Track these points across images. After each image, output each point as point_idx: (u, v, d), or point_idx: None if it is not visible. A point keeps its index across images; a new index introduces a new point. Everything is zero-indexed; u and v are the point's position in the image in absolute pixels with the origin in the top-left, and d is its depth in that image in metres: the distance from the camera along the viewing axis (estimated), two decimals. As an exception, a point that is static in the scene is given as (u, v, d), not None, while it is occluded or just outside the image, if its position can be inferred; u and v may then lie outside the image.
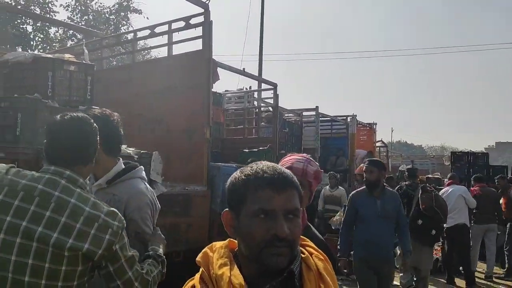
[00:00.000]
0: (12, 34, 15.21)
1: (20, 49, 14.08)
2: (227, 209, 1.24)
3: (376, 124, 14.65)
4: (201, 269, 1.25)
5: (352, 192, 5.02)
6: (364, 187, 4.80)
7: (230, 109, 10.67)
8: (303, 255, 1.22)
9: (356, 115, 12.29)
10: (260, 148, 8.35)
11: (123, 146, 3.67)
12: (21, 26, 16.58)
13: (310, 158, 2.09)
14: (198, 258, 1.27)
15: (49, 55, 3.79)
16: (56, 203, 1.63)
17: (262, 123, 10.23)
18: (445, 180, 9.38)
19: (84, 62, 3.93)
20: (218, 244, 1.26)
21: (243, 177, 1.19)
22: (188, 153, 6.20)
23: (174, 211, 5.11)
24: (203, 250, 1.28)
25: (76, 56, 4.63)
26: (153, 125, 6.88)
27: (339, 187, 9.35)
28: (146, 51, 17.32)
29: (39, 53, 4.00)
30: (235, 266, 1.17)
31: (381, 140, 16.76)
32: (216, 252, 1.23)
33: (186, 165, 6.15)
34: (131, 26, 19.62)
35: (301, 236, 1.28)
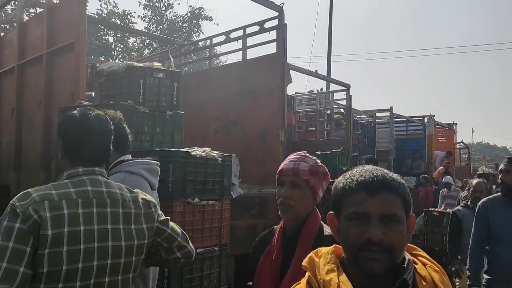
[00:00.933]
0: (95, 45, 16.30)
1: (102, 59, 15.05)
2: (331, 211, 1.24)
3: (456, 124, 13.89)
4: (307, 274, 1.25)
5: (483, 199, 3.68)
6: (499, 193, 3.61)
7: (301, 111, 10.65)
8: (416, 265, 1.18)
9: (433, 115, 11.75)
10: (333, 150, 8.24)
11: (208, 149, 3.82)
12: (103, 37, 17.74)
13: (306, 154, 1.93)
14: (304, 263, 1.27)
15: (141, 64, 4.02)
16: (119, 199, 1.71)
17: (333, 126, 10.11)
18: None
19: (170, 69, 4.12)
20: (323, 249, 1.26)
21: (342, 180, 1.19)
22: (263, 155, 6.28)
23: (251, 213, 5.19)
24: (308, 255, 1.28)
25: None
26: (228, 128, 7.07)
27: None
28: (218, 57, 17.77)
29: (132, 62, 4.25)
30: (343, 272, 1.17)
31: (462, 141, 15.87)
32: (322, 258, 1.23)
33: (261, 167, 6.22)
34: (202, 33, 20.28)
35: (412, 245, 1.25)
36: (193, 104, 6.90)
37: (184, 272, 3.41)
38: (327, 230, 1.82)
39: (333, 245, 1.24)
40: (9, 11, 10.23)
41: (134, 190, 1.81)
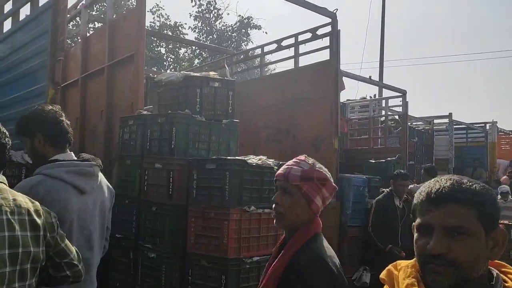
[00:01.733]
0: (149, 56, 16.87)
1: (155, 69, 15.55)
2: (414, 222, 1.22)
3: (521, 131, 13.16)
4: (385, 287, 1.23)
5: None
6: None
7: (354, 118, 10.46)
8: (506, 283, 1.11)
9: (496, 122, 11.20)
10: (388, 158, 8.00)
11: (264, 157, 3.81)
12: (155, 49, 18.34)
13: (304, 158, 1.80)
14: (382, 276, 1.25)
15: (197, 74, 4.10)
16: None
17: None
18: None
19: (226, 78, 4.16)
20: (403, 262, 1.22)
21: (418, 191, 1.17)
22: (316, 163, 6.21)
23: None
24: (387, 268, 1.25)
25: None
26: (280, 135, 7.05)
27: None
28: (269, 65, 17.89)
29: (189, 72, 4.35)
30: (423, 286, 1.12)
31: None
32: (401, 271, 1.20)
33: (314, 175, 6.14)
34: (251, 41, 20.48)
35: (501, 262, 1.18)
36: (244, 112, 6.93)
37: (241, 280, 3.40)
38: (318, 242, 1.70)
39: (414, 259, 1.19)
40: (70, 27, 10.80)
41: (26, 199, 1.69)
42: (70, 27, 10.78)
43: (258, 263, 3.52)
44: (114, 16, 5.66)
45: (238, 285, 3.41)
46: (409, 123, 10.50)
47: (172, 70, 17.49)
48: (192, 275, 3.48)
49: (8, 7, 5.17)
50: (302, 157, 1.83)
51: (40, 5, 4.30)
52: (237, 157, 3.65)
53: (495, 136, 10.90)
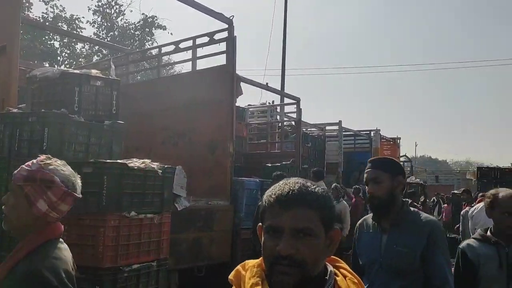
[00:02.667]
0: (39, 50, 15.64)
1: (47, 65, 14.46)
2: (260, 223, 1.21)
3: (400, 138, 14.46)
4: (232, 287, 1.22)
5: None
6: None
7: (253, 123, 10.66)
8: (337, 277, 1.18)
9: (379, 130, 12.16)
10: (283, 162, 8.26)
11: (148, 161, 3.69)
12: (48, 42, 17.07)
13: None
14: (230, 276, 1.24)
15: (77, 71, 3.84)
16: None
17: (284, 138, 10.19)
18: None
19: (110, 77, 3.96)
20: (251, 262, 1.23)
21: (267, 193, 1.19)
22: (211, 167, 6.19)
23: (196, 225, 5.07)
24: (235, 268, 1.25)
25: (103, 71, 4.69)
26: (176, 139, 6.91)
27: (343, 200, 8.34)
28: (170, 66, 17.57)
29: (67, 68, 4.05)
30: (267, 286, 1.14)
31: (405, 155, 16.48)
32: (248, 271, 1.20)
33: (209, 179, 6.12)
34: (156, 42, 19.99)
35: (335, 258, 1.24)
36: (140, 114, 6.71)
37: (118, 290, 3.23)
38: (43, 254, 1.56)
39: (260, 258, 1.20)
40: None
41: None
42: None
43: (138, 271, 3.39)
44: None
45: (116, 295, 3.24)
46: (303, 129, 10.98)
47: (67, 66, 16.38)
48: None
49: None
50: (42, 157, 1.70)
51: None
52: (117, 161, 3.48)
53: (378, 142, 11.85)
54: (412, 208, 2.46)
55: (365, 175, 2.42)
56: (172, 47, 7.40)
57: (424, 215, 2.43)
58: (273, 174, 6.19)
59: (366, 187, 2.44)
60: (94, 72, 3.82)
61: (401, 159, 15.32)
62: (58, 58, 17.44)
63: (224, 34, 6.50)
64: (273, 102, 12.35)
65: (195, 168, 5.83)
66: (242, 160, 9.16)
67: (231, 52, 6.34)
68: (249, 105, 11.11)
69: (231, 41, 6.37)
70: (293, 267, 1.07)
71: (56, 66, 15.43)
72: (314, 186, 1.16)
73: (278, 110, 11.03)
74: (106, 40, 18.08)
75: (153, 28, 20.23)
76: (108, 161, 3.43)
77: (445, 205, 14.11)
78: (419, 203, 10.09)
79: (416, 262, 2.27)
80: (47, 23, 15.79)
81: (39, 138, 3.40)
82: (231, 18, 6.40)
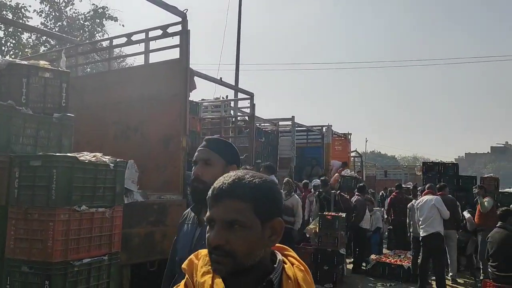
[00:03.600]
0: (-18, 38, 14.82)
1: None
2: None
3: (350, 134, 14.90)
4: (185, 276, 1.27)
5: None
6: None
7: (207, 118, 10.65)
8: (285, 265, 1.23)
9: (331, 125, 12.47)
10: (236, 157, 8.32)
11: (99, 154, 3.64)
12: (-8, 31, 16.20)
13: None
14: (183, 265, 1.29)
15: (24, 62, 3.72)
16: None
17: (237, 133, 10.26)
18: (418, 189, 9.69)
19: (59, 69, 3.87)
20: (203, 251, 1.27)
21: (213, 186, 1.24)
22: (164, 162, 6.14)
23: (149, 220, 5.05)
24: (189, 257, 1.29)
25: (51, 63, 4.56)
26: (128, 133, 6.79)
27: (294, 194, 8.55)
28: (122, 59, 17.16)
29: (14, 59, 3.92)
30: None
31: (356, 150, 17.01)
32: (201, 260, 1.25)
33: (162, 173, 6.08)
34: (106, 33, 19.41)
35: (284, 246, 1.30)
36: (91, 107, 6.56)
37: (68, 285, 3.19)
38: None
39: None
40: None
41: None
42: None
43: (88, 265, 3.36)
44: None
45: (65, 290, 3.20)
46: (257, 124, 11.10)
47: (13, 56, 15.62)
48: (10, 283, 3.16)
49: None
50: None
51: None
52: (66, 154, 3.42)
53: (330, 138, 12.17)
54: None
55: (196, 153, 2.08)
56: (124, 39, 7.28)
57: None
58: (262, 164, 6.25)
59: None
60: (42, 63, 3.72)
61: (352, 154, 15.82)
62: (3, 48, 16.58)
63: (178, 28, 6.46)
64: (227, 97, 12.40)
65: (148, 163, 5.79)
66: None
67: (184, 45, 6.31)
68: (202, 99, 11.09)
69: (184, 34, 6.33)
70: (224, 257, 1.13)
71: (0, 56, 14.69)
72: (252, 178, 1.19)
73: (232, 105, 11.07)
74: (54, 30, 17.37)
75: (104, 19, 19.63)
76: (57, 154, 3.37)
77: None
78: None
79: None
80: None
81: (-16, 130, 3.29)
82: (184, 11, 6.37)
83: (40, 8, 18.38)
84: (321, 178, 9.84)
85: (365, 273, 9.09)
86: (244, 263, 1.15)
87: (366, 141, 52.49)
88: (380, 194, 16.22)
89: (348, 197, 9.31)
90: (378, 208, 11.33)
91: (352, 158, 15.88)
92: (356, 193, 9.63)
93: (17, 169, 3.25)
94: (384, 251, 10.73)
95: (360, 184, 10.16)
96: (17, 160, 3.28)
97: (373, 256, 9.31)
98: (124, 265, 4.40)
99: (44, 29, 16.64)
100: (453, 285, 8.59)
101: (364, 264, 9.32)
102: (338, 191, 9.43)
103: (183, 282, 1.27)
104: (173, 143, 6.23)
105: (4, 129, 3.33)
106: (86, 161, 3.39)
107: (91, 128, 6.61)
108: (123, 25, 20.01)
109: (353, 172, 12.61)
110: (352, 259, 9.72)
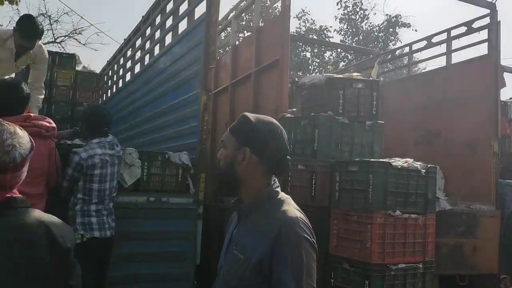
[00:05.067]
0: (294, 61, 17.34)
1: (300, 74, 15.90)
2: None
3: None
4: None
5: None
6: None
7: (518, 119, 9.25)
8: None
9: None
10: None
11: (410, 160, 3.64)
12: (301, 53, 18.75)
13: None
14: None
15: (340, 75, 4.09)
16: None
17: None
18: None
19: (370, 79, 4.08)
20: None
21: None
22: (471, 168, 5.69)
23: (457, 230, 4.73)
24: None
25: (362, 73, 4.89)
26: (430, 137, 6.60)
27: None
28: (417, 65, 16.93)
29: (332, 74, 4.37)
30: None
31: None
32: None
33: (468, 181, 5.64)
34: (400, 41, 19.57)
35: None
36: (390, 114, 6.69)
37: (386, 287, 3.29)
38: None
39: None
40: (222, 37, 11.67)
41: None
42: (222, 37, 11.65)
43: (404, 271, 3.37)
44: (261, 24, 5.95)
45: (384, 291, 3.30)
46: None
47: (317, 73, 17.69)
48: (334, 278, 3.48)
49: (168, 22, 5.80)
50: None
51: (195, 18, 4.73)
52: (380, 159, 3.55)
53: None
54: (281, 194, 1.68)
55: None
56: (423, 43, 7.15)
57: (286, 206, 1.63)
58: None
59: None
60: (355, 75, 4.00)
61: None
62: (309, 67, 18.99)
63: (485, 21, 5.91)
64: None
65: (453, 169, 5.45)
66: (506, 161, 8.07)
67: (494, 39, 5.72)
68: (510, 98, 9.73)
69: (494, 27, 5.74)
70: None
71: (307, 74, 16.86)
72: None
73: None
74: (351, 45, 18.72)
75: (397, 27, 19.85)
76: (372, 160, 3.53)
77: None
78: None
79: (245, 277, 1.45)
80: (300, 36, 17.38)
81: (310, 139, 3.77)
82: (494, 1, 5.76)
83: (339, 27, 20.15)
84: None
85: None
86: None
87: None
88: None
89: None
90: None
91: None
92: None
93: (338, 173, 3.58)
94: None
95: None
96: (337, 166, 3.61)
97: None
98: (433, 275, 4.25)
99: (343, 44, 18.12)
100: None
101: None
102: None
103: None
104: (481, 148, 5.71)
105: (326, 137, 3.73)
106: (399, 166, 3.43)
107: (391, 135, 6.73)
108: (415, 30, 19.71)
109: None
110: None
